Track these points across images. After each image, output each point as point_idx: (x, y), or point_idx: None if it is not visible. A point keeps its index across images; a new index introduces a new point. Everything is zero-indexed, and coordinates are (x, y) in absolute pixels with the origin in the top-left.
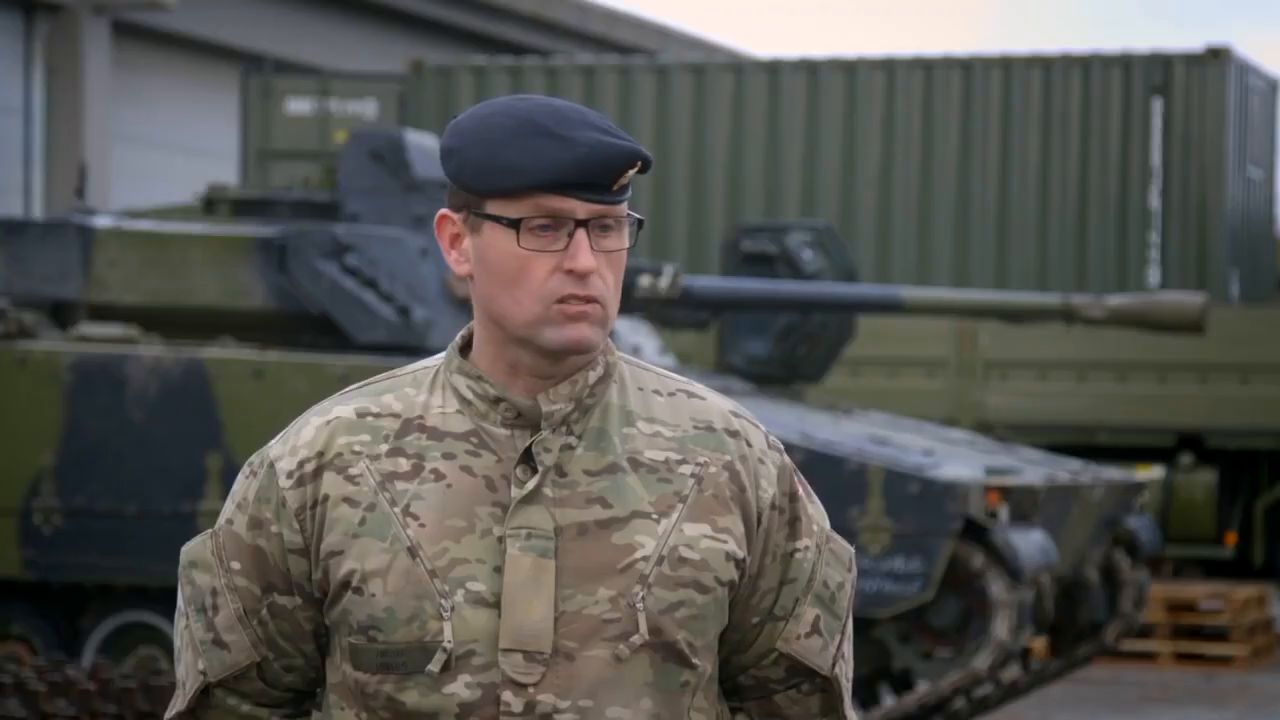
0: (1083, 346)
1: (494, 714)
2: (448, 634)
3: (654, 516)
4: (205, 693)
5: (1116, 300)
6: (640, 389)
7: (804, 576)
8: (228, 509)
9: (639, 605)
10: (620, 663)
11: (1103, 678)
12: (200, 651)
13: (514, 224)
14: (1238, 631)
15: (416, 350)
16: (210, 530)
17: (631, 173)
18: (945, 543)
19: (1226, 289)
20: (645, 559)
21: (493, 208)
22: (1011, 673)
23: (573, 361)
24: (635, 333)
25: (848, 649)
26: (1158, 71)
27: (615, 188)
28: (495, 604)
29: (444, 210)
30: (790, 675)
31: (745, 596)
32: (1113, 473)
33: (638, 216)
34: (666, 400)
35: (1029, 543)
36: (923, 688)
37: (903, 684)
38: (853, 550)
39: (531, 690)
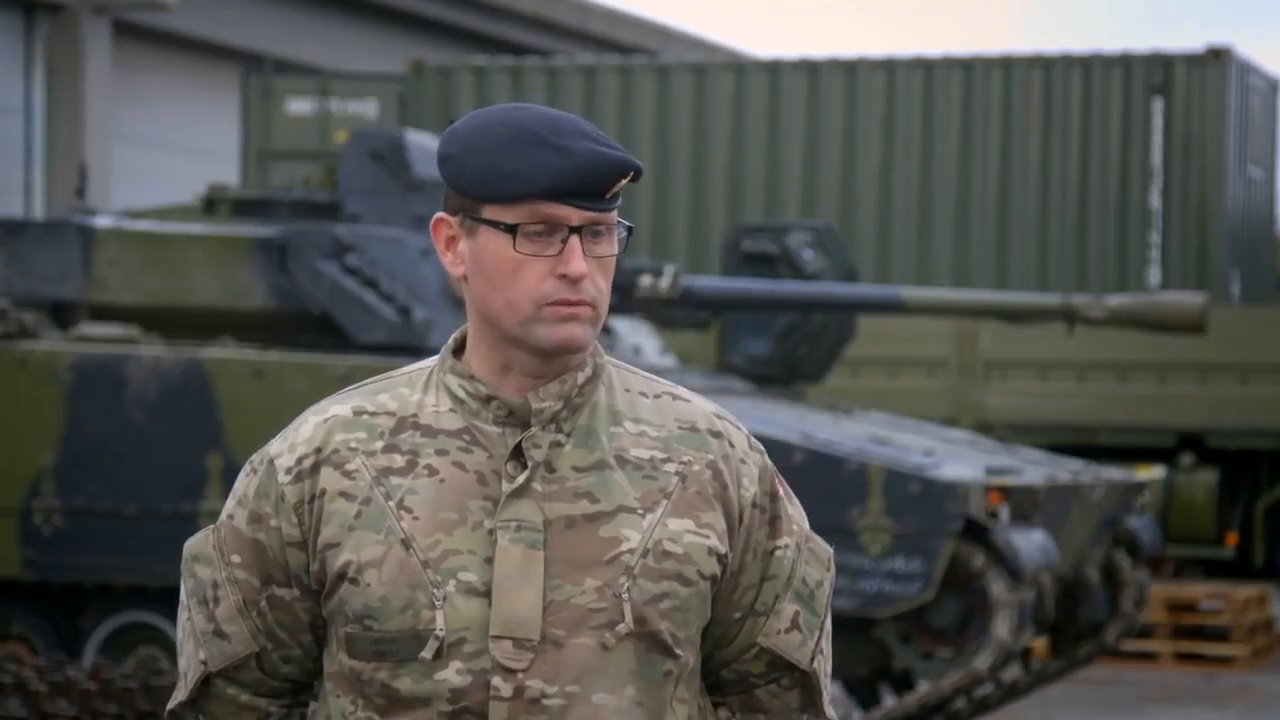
0: (1083, 346)
1: (484, 699)
2: (440, 622)
3: (639, 511)
4: (206, 682)
5: (1117, 300)
6: (627, 390)
7: (784, 574)
8: (229, 505)
9: (624, 595)
10: (606, 651)
11: (1103, 678)
12: (201, 642)
13: (510, 229)
14: (1238, 632)
15: (417, 350)
16: (212, 525)
17: (623, 182)
18: (946, 543)
19: (1227, 289)
20: (630, 551)
21: (489, 213)
22: (1012, 673)
23: (563, 361)
24: (636, 333)
25: (826, 645)
26: (1158, 71)
27: (607, 196)
28: (486, 593)
29: (440, 214)
30: (770, 670)
31: (727, 592)
32: (1113, 473)
33: (627, 224)
34: (652, 402)
35: (1029, 543)
36: (923, 688)
37: (903, 684)
38: (831, 551)
39: (520, 676)
